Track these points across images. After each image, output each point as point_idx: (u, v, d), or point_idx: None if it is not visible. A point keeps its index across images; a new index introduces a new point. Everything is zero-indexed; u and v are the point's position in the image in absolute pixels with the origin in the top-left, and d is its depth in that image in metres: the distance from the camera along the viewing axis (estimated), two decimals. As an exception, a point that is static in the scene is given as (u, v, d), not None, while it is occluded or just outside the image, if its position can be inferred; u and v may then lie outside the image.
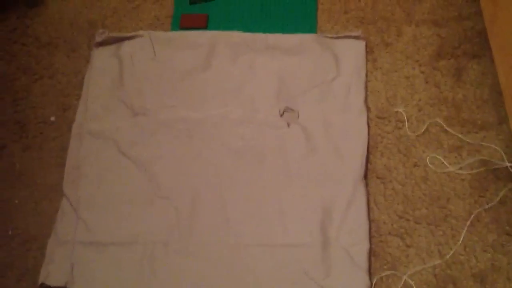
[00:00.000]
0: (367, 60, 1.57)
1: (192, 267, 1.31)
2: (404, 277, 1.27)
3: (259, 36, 1.62)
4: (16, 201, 1.43)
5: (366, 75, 1.54)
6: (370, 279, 1.27)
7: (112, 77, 1.57)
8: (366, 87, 1.52)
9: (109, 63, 1.60)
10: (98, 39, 1.63)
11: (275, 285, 1.29)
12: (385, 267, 1.30)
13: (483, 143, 1.42)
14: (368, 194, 1.38)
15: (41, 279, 1.31)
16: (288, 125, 1.48)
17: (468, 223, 1.32)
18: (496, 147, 1.41)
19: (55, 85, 1.61)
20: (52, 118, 1.54)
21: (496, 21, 1.45)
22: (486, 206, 1.34)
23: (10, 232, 1.39)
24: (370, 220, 1.34)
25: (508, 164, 1.36)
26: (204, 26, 1.67)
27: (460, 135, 1.43)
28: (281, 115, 1.49)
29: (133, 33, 1.64)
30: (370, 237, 1.32)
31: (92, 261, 1.32)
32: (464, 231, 1.31)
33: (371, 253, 1.31)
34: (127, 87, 1.56)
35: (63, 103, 1.57)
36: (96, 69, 1.59)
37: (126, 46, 1.62)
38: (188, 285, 1.30)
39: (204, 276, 1.30)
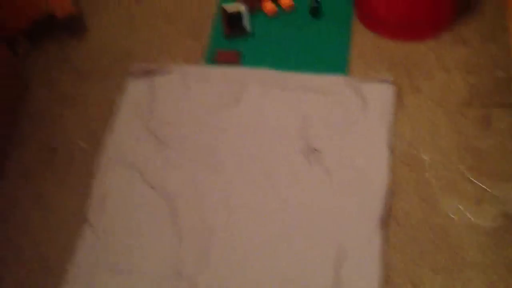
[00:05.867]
0: (394, 104, 1.57)
1: None
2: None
3: (289, 75, 1.66)
4: (42, 222, 1.49)
5: (393, 119, 1.55)
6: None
7: (143, 108, 1.63)
8: (391, 131, 1.53)
9: (141, 95, 1.66)
10: (133, 70, 1.70)
11: None
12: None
13: (506, 195, 1.39)
14: (385, 238, 1.37)
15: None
16: (311, 165, 1.49)
17: (485, 276, 1.29)
18: (520, 200, 1.38)
19: (88, 112, 1.67)
20: (82, 144, 1.60)
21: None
22: (505, 261, 1.30)
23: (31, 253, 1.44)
24: (385, 265, 1.33)
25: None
26: (236, 62, 1.71)
27: (483, 186, 1.41)
28: (304, 154, 1.51)
29: (166, 66, 1.70)
30: (384, 282, 1.31)
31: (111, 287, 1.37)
32: (480, 284, 1.28)
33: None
34: (156, 119, 1.61)
35: (94, 130, 1.63)
36: (128, 100, 1.65)
37: (159, 79, 1.68)
38: None
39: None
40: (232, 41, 1.76)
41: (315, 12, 1.77)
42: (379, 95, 1.59)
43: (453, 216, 1.38)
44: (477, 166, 1.44)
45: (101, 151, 1.57)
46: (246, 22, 1.77)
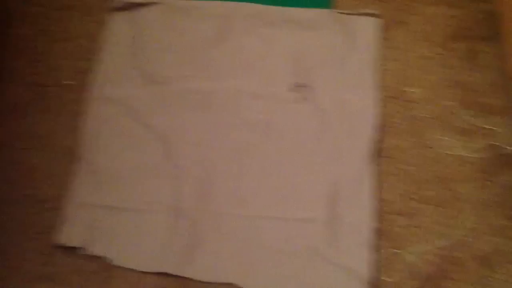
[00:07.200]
0: (382, 39, 1.57)
1: (203, 237, 1.34)
2: (409, 256, 1.30)
3: (275, 9, 1.61)
4: (34, 161, 1.45)
5: (381, 54, 1.54)
6: (375, 256, 1.30)
7: (128, 44, 1.58)
8: (379, 66, 1.53)
9: (125, 29, 1.60)
10: (115, 4, 1.63)
11: (281, 257, 1.31)
12: (391, 245, 1.32)
13: (494, 128, 1.43)
14: (377, 173, 1.39)
15: (56, 240, 1.34)
16: (302, 100, 1.49)
17: (475, 206, 1.34)
18: (508, 132, 1.42)
19: (72, 48, 1.60)
20: (69, 81, 1.55)
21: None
22: (494, 191, 1.36)
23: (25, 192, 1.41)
24: (378, 199, 1.36)
25: (517, 150, 1.39)
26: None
27: (472, 119, 1.44)
28: (294, 90, 1.50)
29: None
30: (377, 215, 1.34)
31: (109, 224, 1.35)
32: (471, 214, 1.34)
33: (377, 231, 1.33)
34: (143, 55, 1.56)
35: (81, 66, 1.56)
36: (112, 35, 1.59)
37: (143, 13, 1.62)
38: (198, 252, 1.33)
39: (214, 246, 1.33)
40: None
41: None
42: (366, 29, 1.58)
43: (443, 150, 1.41)
44: (465, 100, 1.47)
45: (88, 88, 1.52)
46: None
